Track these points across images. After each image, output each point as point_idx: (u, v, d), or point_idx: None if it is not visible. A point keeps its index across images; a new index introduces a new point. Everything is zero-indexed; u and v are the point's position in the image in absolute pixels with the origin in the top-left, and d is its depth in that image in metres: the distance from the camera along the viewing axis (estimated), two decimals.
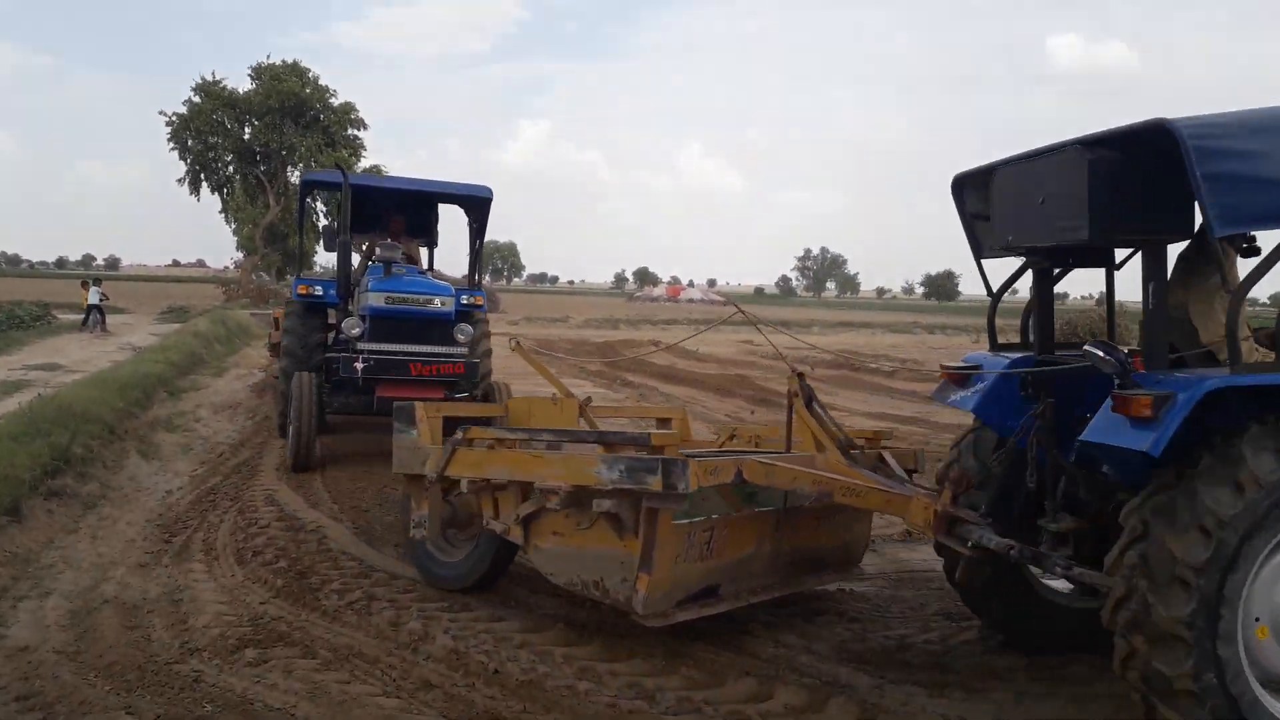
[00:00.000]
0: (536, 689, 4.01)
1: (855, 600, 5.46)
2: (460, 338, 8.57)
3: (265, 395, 13.35)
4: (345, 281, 8.83)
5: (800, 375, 4.95)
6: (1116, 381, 3.33)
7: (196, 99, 44.84)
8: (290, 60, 46.17)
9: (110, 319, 26.39)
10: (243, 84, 45.69)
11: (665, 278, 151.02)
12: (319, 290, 9.19)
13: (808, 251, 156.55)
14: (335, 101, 46.63)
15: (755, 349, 27.66)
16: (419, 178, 9.93)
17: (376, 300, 8.31)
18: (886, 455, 5.01)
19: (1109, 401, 3.30)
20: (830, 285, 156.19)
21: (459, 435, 4.95)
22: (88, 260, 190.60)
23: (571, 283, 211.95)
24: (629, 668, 4.28)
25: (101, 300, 25.31)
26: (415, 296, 8.45)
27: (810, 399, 4.95)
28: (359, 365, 7.91)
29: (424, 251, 11.21)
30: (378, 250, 8.86)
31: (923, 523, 4.09)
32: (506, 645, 4.49)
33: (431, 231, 11.20)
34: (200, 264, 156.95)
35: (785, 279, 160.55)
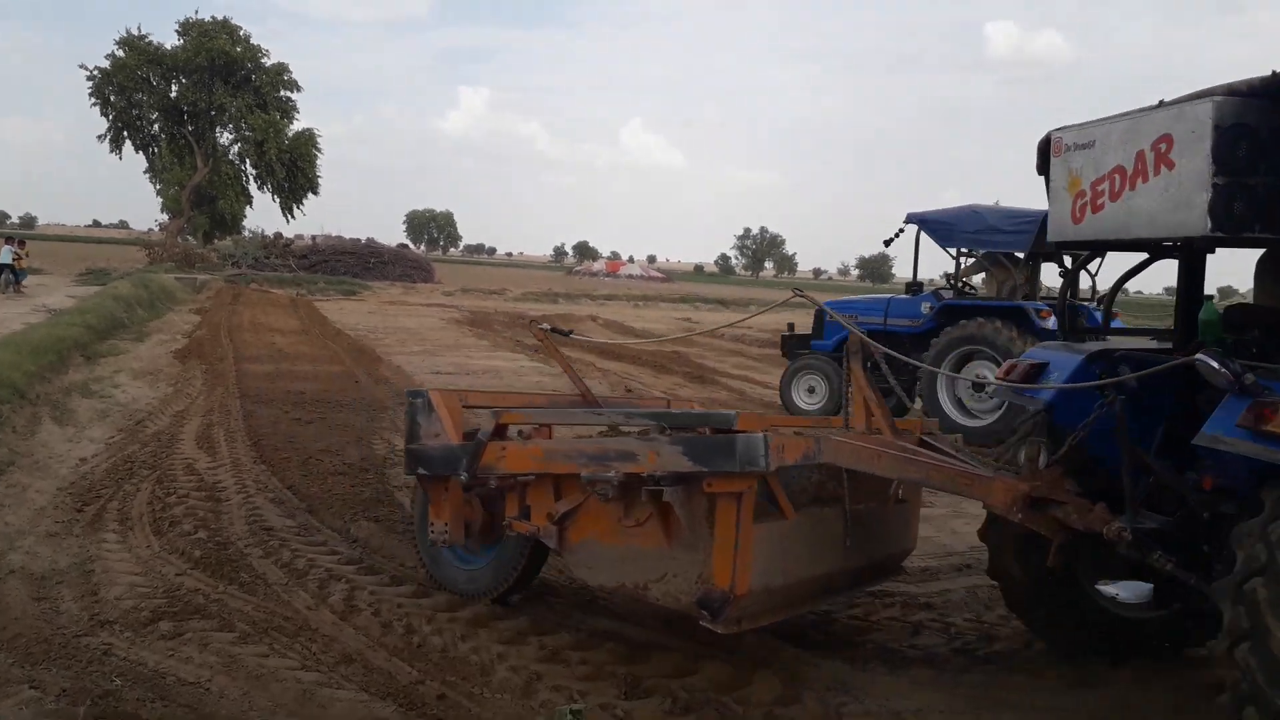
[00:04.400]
0: (461, 664, 3.97)
1: None
2: None
3: (189, 361, 12.97)
4: None
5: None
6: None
7: (120, 54, 43.11)
8: (220, 17, 44.68)
9: (25, 279, 25.31)
10: (170, 40, 44.12)
11: (605, 253, 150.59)
12: None
13: (747, 230, 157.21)
14: (267, 62, 45.29)
15: (693, 325, 27.79)
16: None
17: None
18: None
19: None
20: (768, 264, 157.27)
21: None
22: (0, 217, 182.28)
23: (510, 255, 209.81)
24: (554, 641, 4.27)
25: (15, 259, 24.24)
26: None
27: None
28: None
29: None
30: None
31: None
32: (433, 621, 4.43)
33: None
34: (123, 225, 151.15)
35: (725, 257, 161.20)
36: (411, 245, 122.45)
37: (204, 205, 47.73)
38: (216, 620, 4.29)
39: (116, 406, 9.43)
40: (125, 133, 44.99)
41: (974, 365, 10.29)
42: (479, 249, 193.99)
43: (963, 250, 11.34)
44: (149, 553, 5.19)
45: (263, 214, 77.39)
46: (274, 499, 6.36)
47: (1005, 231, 10.49)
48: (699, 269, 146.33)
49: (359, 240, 49.48)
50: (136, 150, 45.91)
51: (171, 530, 5.56)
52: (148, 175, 47.61)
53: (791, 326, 12.90)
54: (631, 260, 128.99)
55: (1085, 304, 10.40)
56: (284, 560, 5.16)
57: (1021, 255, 10.88)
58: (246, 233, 51.82)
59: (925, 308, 11.11)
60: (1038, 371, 4.08)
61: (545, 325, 5.43)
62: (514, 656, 4.09)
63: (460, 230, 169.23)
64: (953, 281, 11.44)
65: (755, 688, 3.93)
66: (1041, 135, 4.09)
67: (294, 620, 4.34)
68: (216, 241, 52.54)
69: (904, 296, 11.66)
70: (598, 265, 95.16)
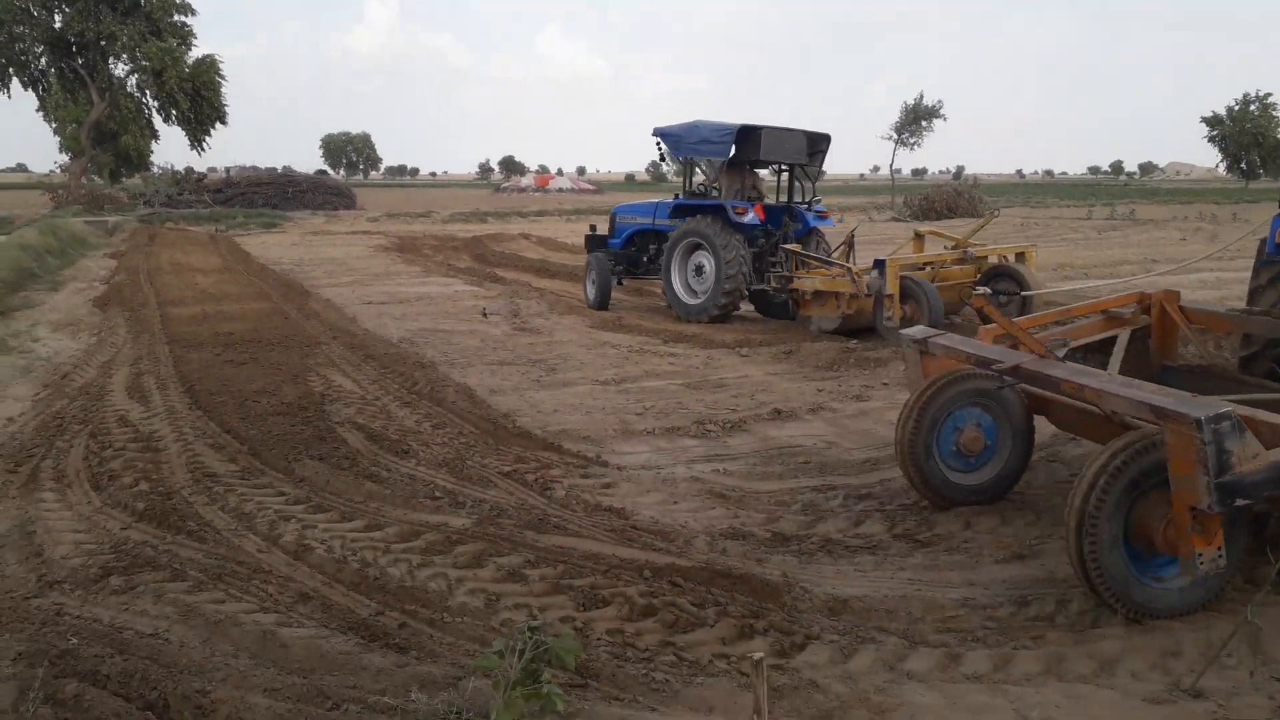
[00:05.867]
0: (419, 592, 4.03)
1: (727, 479, 5.67)
2: None
3: (110, 308, 12.55)
4: None
5: None
6: None
7: None
8: None
9: None
10: None
11: (533, 167, 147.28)
12: None
13: None
14: None
15: None
16: None
17: None
18: None
19: None
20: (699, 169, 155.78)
21: None
22: None
23: (434, 174, 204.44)
24: (510, 561, 4.34)
25: None
26: None
27: None
28: None
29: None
30: None
31: None
32: (389, 552, 4.47)
33: None
34: (21, 169, 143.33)
35: (655, 164, 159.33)
36: (330, 171, 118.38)
37: (106, 142, 45.33)
38: (168, 571, 4.27)
39: (39, 361, 9.12)
40: (10, 70, 42.27)
41: (698, 254, 11.89)
42: (401, 171, 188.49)
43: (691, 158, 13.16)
44: (90, 509, 5.11)
45: (171, 148, 74.30)
46: (214, 444, 6.27)
47: (714, 142, 12.09)
48: (630, 178, 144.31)
49: (275, 169, 47.62)
50: (25, 88, 43.24)
51: (111, 484, 5.46)
52: (41, 114, 44.94)
53: (594, 227, 14.37)
54: (561, 173, 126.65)
55: (799, 205, 12.65)
56: (230, 505, 5.13)
57: (726, 160, 12.46)
58: (156, 169, 49.52)
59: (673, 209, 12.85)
60: None
61: (984, 290, 5.54)
62: (472, 580, 4.17)
63: (380, 152, 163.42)
64: (698, 186, 13.37)
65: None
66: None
67: (247, 564, 4.34)
68: (124, 180, 50.19)
69: (669, 200, 13.35)
70: (526, 180, 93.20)
